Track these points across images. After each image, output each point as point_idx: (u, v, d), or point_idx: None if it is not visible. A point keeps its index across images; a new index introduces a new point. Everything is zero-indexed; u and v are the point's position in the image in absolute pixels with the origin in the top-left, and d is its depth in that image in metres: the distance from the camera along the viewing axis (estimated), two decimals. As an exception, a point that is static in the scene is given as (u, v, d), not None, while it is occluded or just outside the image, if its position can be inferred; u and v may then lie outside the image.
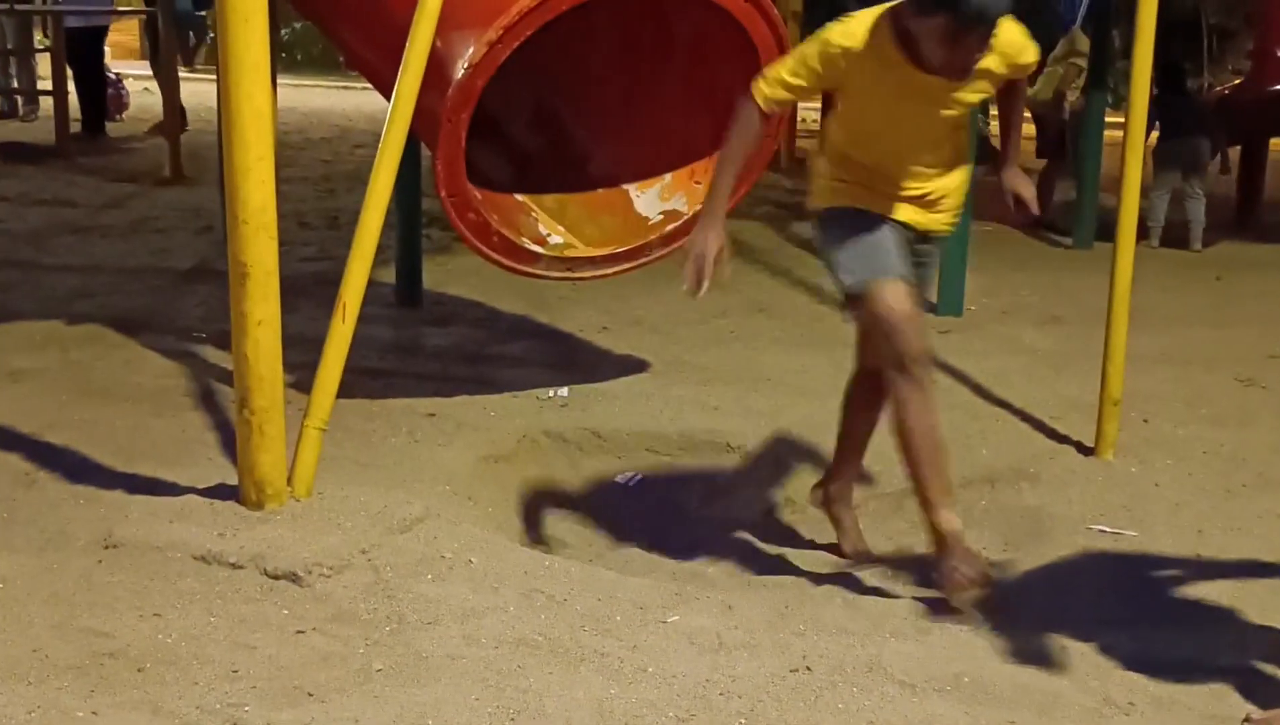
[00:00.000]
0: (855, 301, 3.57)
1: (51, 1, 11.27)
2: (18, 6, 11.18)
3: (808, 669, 3.00)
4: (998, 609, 3.39)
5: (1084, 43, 9.42)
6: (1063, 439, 4.60)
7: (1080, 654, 3.08)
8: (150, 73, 12.04)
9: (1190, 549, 3.81)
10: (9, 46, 11.64)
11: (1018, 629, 3.24)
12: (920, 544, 4.11)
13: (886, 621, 3.31)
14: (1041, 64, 9.25)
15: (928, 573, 3.79)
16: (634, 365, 5.37)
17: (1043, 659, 3.07)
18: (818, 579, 3.81)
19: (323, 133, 12.15)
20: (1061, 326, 6.18)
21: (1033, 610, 3.44)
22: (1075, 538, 3.89)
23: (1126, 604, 3.52)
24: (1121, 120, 4.70)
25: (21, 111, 12.14)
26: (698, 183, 4.76)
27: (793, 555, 4.03)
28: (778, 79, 3.45)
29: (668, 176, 4.80)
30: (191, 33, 14.30)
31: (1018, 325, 6.17)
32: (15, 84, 12.12)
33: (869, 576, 3.81)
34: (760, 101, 3.45)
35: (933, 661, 3.04)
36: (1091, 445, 4.45)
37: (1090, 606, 3.50)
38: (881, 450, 4.21)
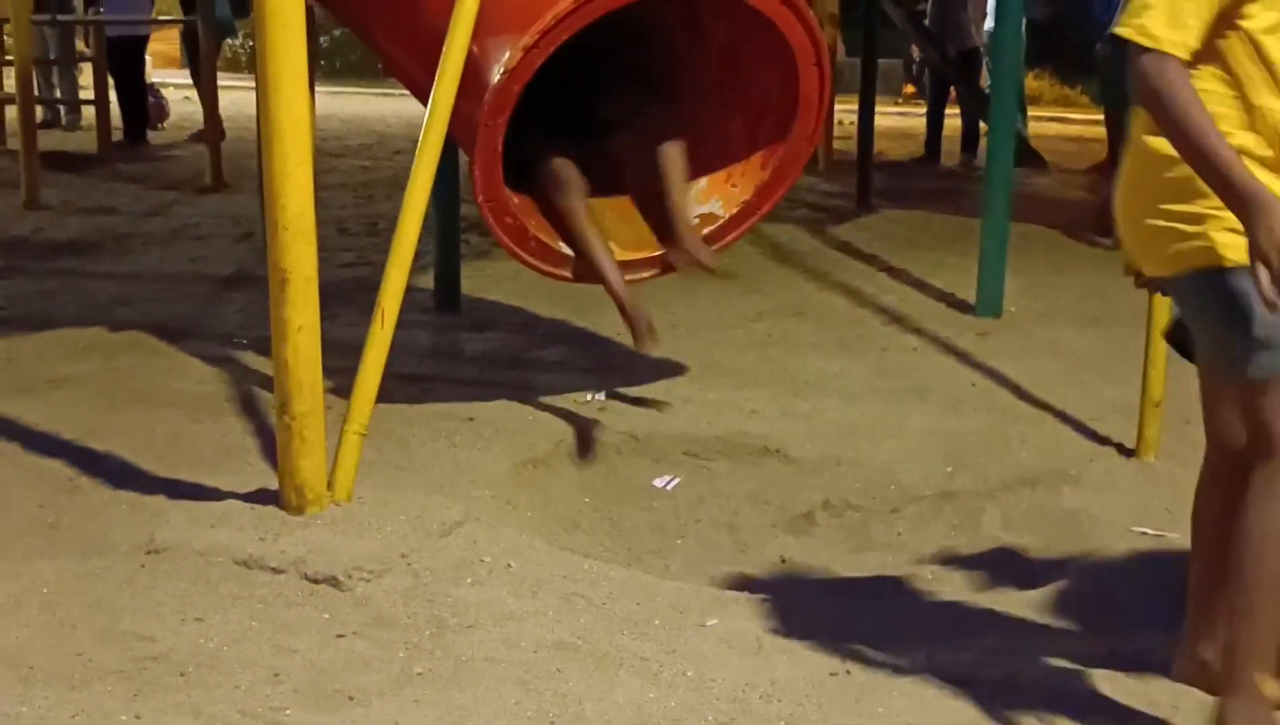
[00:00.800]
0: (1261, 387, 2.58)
1: (93, 11, 11.37)
2: (60, 17, 11.29)
3: (848, 672, 2.99)
4: (1039, 612, 3.37)
5: None
6: (1104, 441, 4.57)
7: (1123, 657, 3.05)
8: (190, 81, 12.15)
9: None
10: (52, 56, 11.75)
11: (1059, 632, 3.22)
12: (960, 547, 4.10)
13: (929, 625, 3.30)
14: (1089, 65, 9.19)
15: (968, 575, 3.78)
16: (671, 369, 5.36)
17: (1087, 660, 3.05)
18: (857, 582, 3.80)
19: (361, 139, 12.21)
20: (1101, 328, 6.14)
21: (1074, 613, 3.42)
22: (1117, 540, 3.86)
23: (1169, 607, 3.48)
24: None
25: (64, 121, 12.25)
26: (734, 186, 4.75)
27: (832, 558, 4.02)
28: (1169, 16, 2.46)
29: (704, 180, 4.79)
30: (230, 41, 14.42)
31: (1057, 327, 6.13)
32: (58, 94, 12.23)
33: (910, 580, 3.79)
34: (1172, 51, 2.45)
35: (975, 666, 3.03)
36: (1133, 447, 4.42)
37: (1132, 609, 3.47)
38: (918, 452, 4.21)
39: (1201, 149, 2.42)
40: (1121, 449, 4.48)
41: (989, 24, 11.05)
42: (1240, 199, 2.38)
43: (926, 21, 11.75)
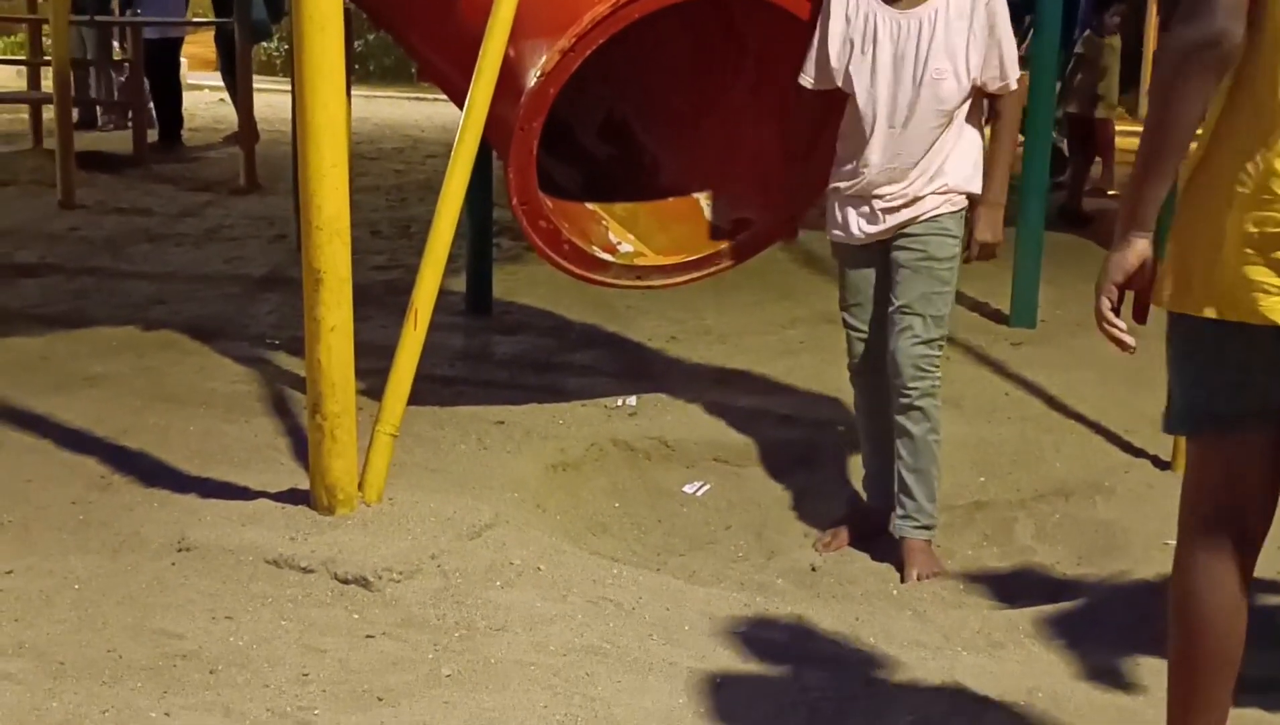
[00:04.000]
0: None
1: (130, 13, 11.43)
2: (98, 18, 11.35)
3: (878, 682, 2.97)
4: (1070, 624, 3.35)
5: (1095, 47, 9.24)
6: (1138, 453, 4.53)
7: (1154, 670, 3.02)
8: (223, 83, 12.19)
9: (1268, 565, 3.74)
10: (89, 58, 11.82)
11: (1091, 644, 3.20)
12: (991, 558, 4.08)
13: (958, 635, 3.27)
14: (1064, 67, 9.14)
15: (999, 587, 3.75)
16: (703, 374, 5.36)
17: (1116, 675, 3.03)
18: (888, 592, 3.78)
19: (395, 143, 12.24)
20: (1136, 339, 6.09)
21: (1107, 625, 3.39)
22: (1150, 552, 3.82)
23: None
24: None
25: (100, 122, 12.32)
26: (768, 193, 4.73)
27: (863, 567, 4.00)
28: None
29: (738, 186, 4.78)
30: (264, 44, 14.47)
31: (1091, 337, 6.01)
32: (94, 95, 12.30)
33: (941, 590, 3.77)
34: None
35: (1005, 676, 3.01)
36: (1168, 459, 4.38)
37: (1165, 622, 3.44)
38: (951, 461, 4.18)
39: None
40: (1156, 461, 4.45)
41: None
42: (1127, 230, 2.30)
43: None
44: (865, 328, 3.98)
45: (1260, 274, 2.14)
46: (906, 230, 3.79)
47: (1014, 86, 3.80)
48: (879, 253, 3.89)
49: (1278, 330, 2.15)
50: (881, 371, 3.92)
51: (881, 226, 3.83)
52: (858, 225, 3.87)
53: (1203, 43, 2.12)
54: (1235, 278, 2.16)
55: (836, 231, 3.94)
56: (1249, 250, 2.15)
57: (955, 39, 3.70)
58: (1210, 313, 2.21)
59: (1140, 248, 2.29)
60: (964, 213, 3.85)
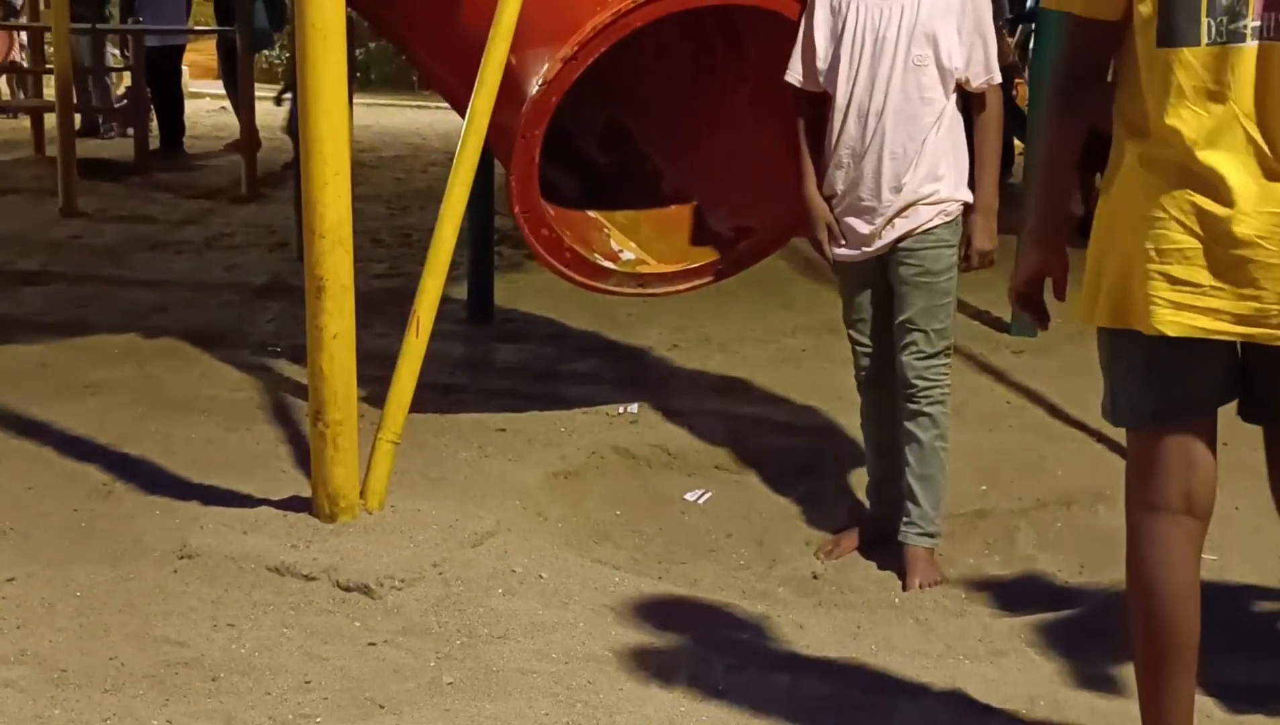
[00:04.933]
0: None
1: (131, 21, 11.44)
2: (99, 26, 11.37)
3: (880, 690, 2.97)
4: (1072, 633, 3.34)
5: None
6: (1139, 461, 4.52)
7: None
8: (224, 91, 12.20)
9: (1270, 573, 3.75)
10: (86, 65, 11.82)
11: (1093, 653, 3.19)
12: (993, 566, 4.07)
13: (960, 643, 3.27)
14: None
15: (1001, 595, 3.75)
16: (704, 382, 5.36)
17: (1117, 683, 3.03)
18: (890, 600, 3.78)
19: (396, 151, 12.25)
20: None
21: (1108, 633, 3.38)
22: (1152, 561, 3.82)
23: (1203, 629, 3.45)
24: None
25: (101, 129, 12.33)
26: (769, 200, 4.73)
27: (865, 575, 4.00)
28: None
29: (739, 194, 4.78)
30: (265, 52, 14.45)
31: (1093, 346, 6.07)
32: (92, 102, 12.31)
33: (943, 599, 3.76)
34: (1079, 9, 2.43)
35: (1006, 684, 3.01)
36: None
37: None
38: (952, 470, 4.18)
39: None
40: (1157, 469, 4.44)
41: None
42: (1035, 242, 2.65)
43: None
44: (869, 342, 3.98)
45: (1155, 288, 2.29)
46: (902, 245, 3.79)
47: (997, 80, 3.78)
48: (877, 268, 3.89)
49: (1174, 339, 2.28)
50: (888, 382, 3.93)
51: (879, 243, 3.82)
52: (856, 241, 3.87)
53: (1054, 91, 2.51)
54: (1136, 292, 2.32)
55: (837, 250, 3.93)
56: (1148, 265, 2.29)
57: (939, 28, 3.69)
58: (1113, 324, 2.40)
59: (1034, 260, 2.63)
60: (959, 221, 3.85)
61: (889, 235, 3.80)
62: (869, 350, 3.99)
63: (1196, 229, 2.25)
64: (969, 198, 3.83)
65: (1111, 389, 2.52)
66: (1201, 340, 2.28)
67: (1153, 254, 2.28)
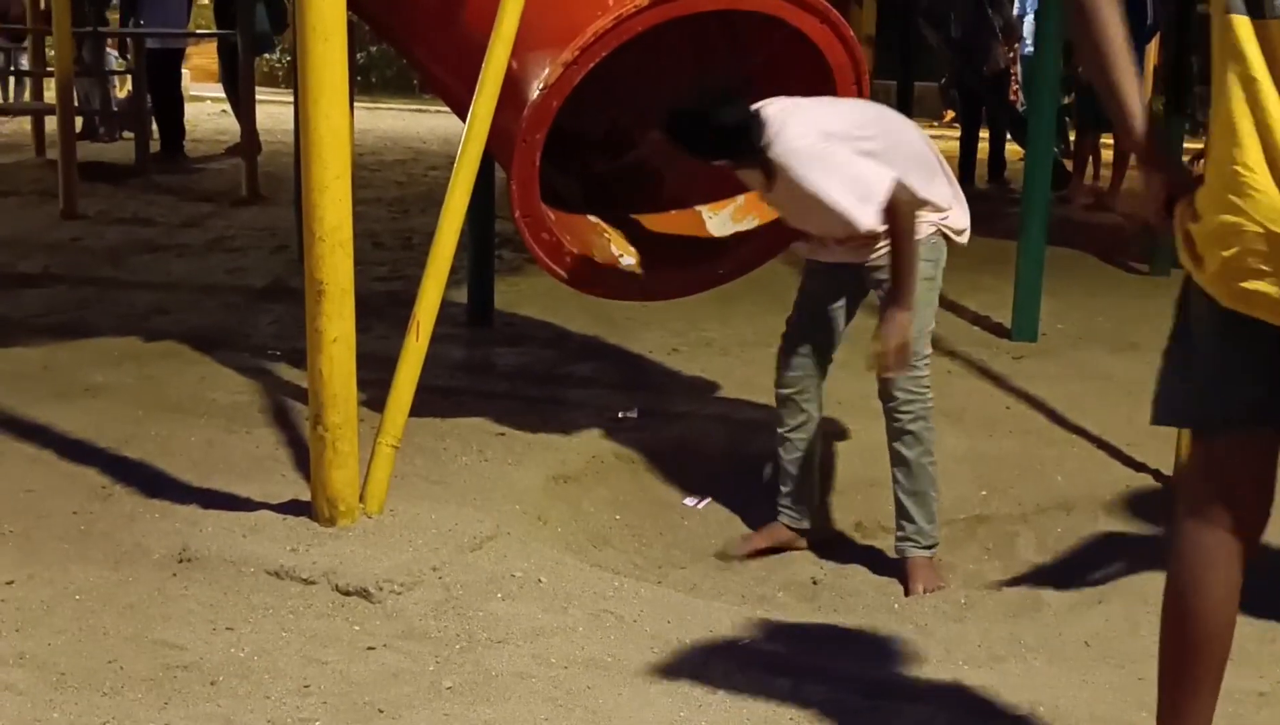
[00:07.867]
0: None
1: (132, 24, 11.45)
2: (100, 29, 11.37)
3: (879, 695, 2.96)
4: (1071, 639, 3.34)
5: None
6: (1140, 467, 4.53)
7: (1156, 684, 3.01)
8: (225, 94, 12.21)
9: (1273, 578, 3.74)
10: (84, 67, 11.83)
11: (1093, 658, 3.19)
12: (993, 571, 4.07)
13: (959, 649, 3.27)
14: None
15: (1001, 601, 3.74)
16: (704, 387, 5.36)
17: (1117, 688, 3.02)
18: (889, 605, 3.78)
19: (397, 155, 12.25)
20: (1138, 353, 6.10)
21: (1107, 641, 3.39)
22: (1153, 568, 3.82)
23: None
24: (1199, 145, 4.63)
25: (100, 132, 12.33)
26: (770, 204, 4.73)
27: (865, 580, 4.00)
28: None
29: (740, 198, 4.77)
30: (266, 55, 14.49)
31: (1093, 351, 6.09)
32: (93, 105, 12.32)
33: (943, 604, 3.76)
34: None
35: (1006, 690, 3.00)
36: (1170, 474, 4.38)
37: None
38: (952, 475, 4.18)
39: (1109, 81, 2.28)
40: (1158, 475, 4.44)
41: (1027, 49, 11.08)
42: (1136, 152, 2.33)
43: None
44: (809, 347, 4.04)
45: (1257, 276, 2.09)
46: (878, 260, 3.79)
47: (865, 227, 3.63)
48: (849, 275, 3.90)
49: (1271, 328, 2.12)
50: (809, 394, 4.04)
51: (855, 257, 3.84)
52: (830, 248, 3.88)
53: None
54: (1230, 270, 2.12)
55: (811, 254, 4.00)
56: (1240, 249, 2.09)
57: (805, 209, 3.74)
58: (1235, 306, 2.15)
59: (1154, 186, 2.30)
60: (935, 236, 3.84)
61: (866, 252, 3.83)
62: (806, 355, 4.06)
63: None
64: (940, 202, 3.82)
65: (1182, 381, 2.32)
66: None
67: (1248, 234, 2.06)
